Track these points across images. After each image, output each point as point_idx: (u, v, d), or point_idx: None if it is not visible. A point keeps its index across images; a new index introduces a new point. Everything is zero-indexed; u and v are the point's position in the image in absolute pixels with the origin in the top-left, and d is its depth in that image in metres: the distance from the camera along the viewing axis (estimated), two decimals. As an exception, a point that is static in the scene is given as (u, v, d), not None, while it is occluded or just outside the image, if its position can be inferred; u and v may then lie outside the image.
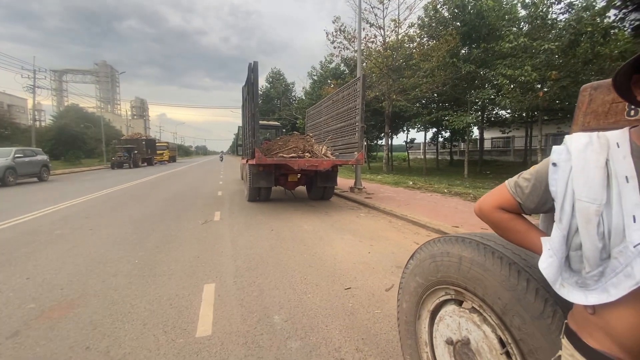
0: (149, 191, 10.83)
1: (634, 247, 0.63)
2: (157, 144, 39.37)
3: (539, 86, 14.05)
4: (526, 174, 0.88)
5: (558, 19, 13.65)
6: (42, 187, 12.39)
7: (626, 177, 0.68)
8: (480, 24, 15.25)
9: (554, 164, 0.78)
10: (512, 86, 14.05)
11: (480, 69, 15.41)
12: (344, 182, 12.21)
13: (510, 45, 12.89)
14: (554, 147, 0.80)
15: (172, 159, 45.25)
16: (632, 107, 1.20)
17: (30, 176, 14.51)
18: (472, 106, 18.46)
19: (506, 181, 0.94)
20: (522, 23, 15.52)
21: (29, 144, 21.90)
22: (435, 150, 29.43)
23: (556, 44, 12.07)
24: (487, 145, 28.83)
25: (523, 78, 12.31)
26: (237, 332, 2.26)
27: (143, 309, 2.59)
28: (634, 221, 0.64)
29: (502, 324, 1.09)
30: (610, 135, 0.75)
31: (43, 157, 15.64)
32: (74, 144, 31.84)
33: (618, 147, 0.72)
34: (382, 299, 2.80)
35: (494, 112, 23.00)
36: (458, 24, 15.98)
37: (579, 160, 0.73)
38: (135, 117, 79.52)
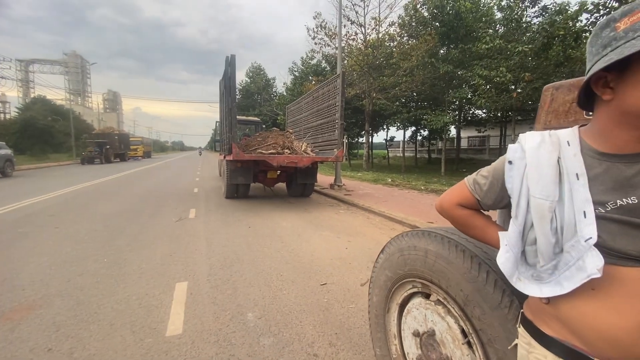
0: (121, 188, 10.43)
1: (585, 241, 0.66)
2: (130, 139, 37.95)
3: (513, 87, 14.59)
4: (484, 171, 0.90)
5: (532, 22, 14.20)
6: (5, 183, 11.65)
7: (576, 174, 0.70)
8: (459, 25, 15.62)
9: (510, 162, 0.79)
10: (487, 86, 14.51)
11: (458, 69, 15.81)
12: (324, 179, 12.24)
13: (486, 46, 13.28)
14: (510, 145, 0.82)
15: (147, 155, 43.77)
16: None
17: (-9, 171, 13.62)
18: (450, 105, 18.95)
19: (465, 178, 0.96)
20: (498, 25, 16.03)
21: (-10, 137, 20.52)
22: (414, 149, 30.05)
23: (530, 46, 12.54)
24: (464, 143, 29.71)
25: (498, 79, 12.73)
26: (208, 331, 2.21)
27: (110, 308, 2.49)
28: (585, 216, 0.67)
29: (464, 314, 1.12)
30: (561, 133, 0.77)
31: (7, 151, 14.71)
32: (40, 137, 30.08)
33: (568, 145, 0.74)
34: (357, 294, 2.83)
35: (471, 112, 23.72)
36: (437, 24, 16.28)
37: (533, 158, 0.75)
38: (107, 110, 76.12)
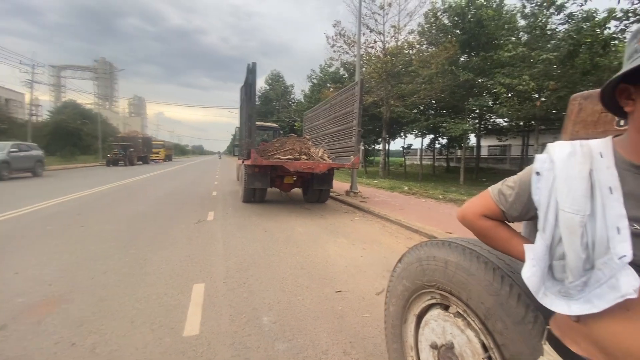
0: (144, 189, 10.77)
1: (619, 259, 0.63)
2: (153, 142, 39.22)
3: (536, 95, 14.19)
4: (510, 181, 0.88)
5: (557, 30, 13.82)
6: (35, 183, 12.28)
7: (610, 188, 0.67)
8: (480, 32, 15.41)
9: (537, 173, 0.77)
10: (509, 95, 14.18)
11: (479, 77, 15.55)
12: (340, 185, 12.22)
13: (509, 54, 13.03)
14: (537, 156, 0.79)
15: (168, 158, 45.08)
16: (621, 116, 1.21)
17: (24, 171, 14.39)
18: (470, 114, 18.61)
19: (489, 188, 0.94)
20: (521, 33, 15.69)
21: (25, 138, 21.72)
22: (432, 157, 29.57)
23: (555, 54, 12.20)
24: (484, 152, 29.03)
25: (521, 87, 12.43)
26: (224, 333, 2.24)
27: (131, 307, 2.57)
28: (618, 233, 0.64)
29: (485, 328, 1.09)
30: (593, 144, 0.74)
31: (38, 152, 15.52)
32: (70, 140, 31.60)
33: (601, 157, 0.71)
34: (372, 303, 2.80)
35: (492, 120, 23.19)
36: (458, 31, 16.13)
37: (562, 170, 0.72)
38: (132, 114, 79.21)
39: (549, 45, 13.33)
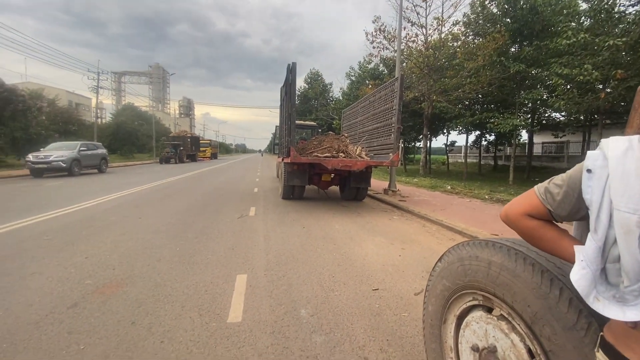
0: (192, 185, 11.52)
1: None
2: (200, 142, 41.62)
3: (600, 86, 12.79)
4: (557, 179, 0.84)
5: (627, 12, 12.30)
6: (100, 178, 13.68)
7: None
8: (534, 20, 14.21)
9: (589, 170, 0.73)
10: (568, 86, 12.94)
11: (532, 68, 14.37)
12: (377, 183, 12.05)
13: (567, 42, 11.85)
14: (589, 153, 0.75)
15: (214, 156, 47.56)
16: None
17: (91, 167, 16.10)
18: (521, 108, 17.29)
19: (535, 187, 0.90)
20: (583, 17, 14.20)
21: (91, 138, 24.28)
22: (477, 154, 27.92)
23: (623, 39, 10.87)
24: (537, 150, 26.77)
25: (582, 78, 11.26)
26: (265, 322, 2.35)
27: (182, 292, 2.79)
28: None
29: (532, 333, 1.04)
30: None
31: (103, 150, 17.27)
32: (128, 139, 34.71)
33: None
34: (410, 303, 2.75)
35: (546, 115, 21.32)
36: (508, 20, 15.03)
37: (617, 167, 0.68)
38: (182, 115, 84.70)
39: (616, 30, 11.91)
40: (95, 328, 2.22)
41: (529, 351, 1.07)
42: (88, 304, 2.55)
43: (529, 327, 1.05)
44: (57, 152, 13.86)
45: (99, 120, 37.90)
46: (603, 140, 0.74)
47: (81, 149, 15.03)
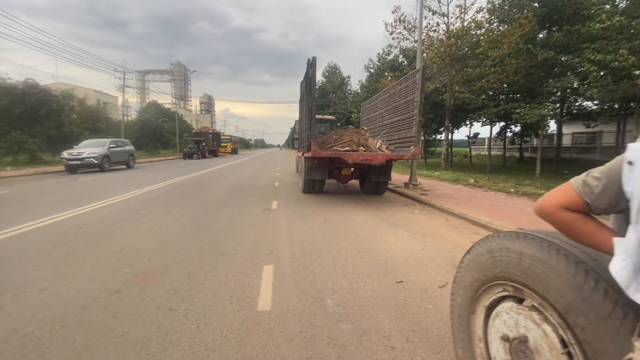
0: (215, 180, 11.85)
1: None
2: (221, 137, 42.48)
3: (637, 72, 12.01)
4: (596, 172, 0.85)
5: (668, -8, 11.43)
6: (128, 174, 14.31)
7: None
8: (564, 3, 13.46)
9: (630, 163, 0.74)
10: (601, 73, 12.24)
11: (561, 54, 13.67)
12: (398, 177, 11.93)
13: (602, 25, 11.18)
14: (630, 145, 0.76)
15: (234, 152, 48.47)
16: None
17: (120, 163, 16.86)
18: (549, 97, 16.52)
19: (572, 179, 0.90)
20: (618, -1, 13.33)
21: (118, 136, 25.37)
22: (502, 146, 26.97)
23: (664, 21, 10.16)
24: (566, 141, 25.54)
25: (617, 63, 10.63)
26: (293, 310, 2.45)
27: (213, 282, 2.93)
28: None
29: (565, 323, 1.06)
30: None
31: (130, 147, 18.02)
32: (153, 136, 35.95)
33: None
34: (435, 295, 2.77)
35: (577, 104, 20.26)
36: (536, 5, 14.31)
37: None
38: (203, 112, 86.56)
39: (657, 11, 11.11)
40: (137, 313, 2.39)
41: (562, 341, 1.09)
42: (129, 291, 2.74)
43: (562, 317, 1.07)
44: (89, 149, 14.61)
45: (125, 118, 39.42)
46: None
47: (111, 146, 15.75)
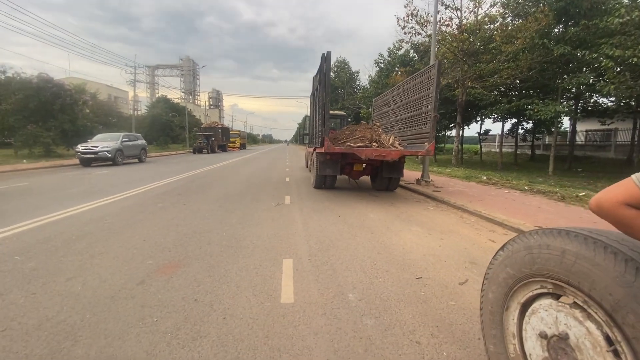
0: (226, 175, 11.94)
1: None
2: (230, 132, 42.66)
3: (657, 68, 11.67)
4: None
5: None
6: (141, 167, 14.50)
7: None
8: (582, -4, 13.11)
9: None
10: (619, 69, 11.92)
11: (577, 50, 13.34)
12: (409, 174, 11.87)
13: (620, 20, 10.88)
14: None
15: (243, 147, 48.66)
16: None
17: (132, 157, 17.08)
18: (564, 93, 16.16)
19: (633, 175, 0.89)
20: (640, -8, 12.90)
21: (129, 130, 25.66)
22: (513, 143, 26.56)
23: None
24: (580, 138, 25.02)
25: (636, 59, 10.35)
26: (316, 303, 2.47)
27: (235, 274, 2.97)
28: None
29: (612, 320, 1.05)
30: None
31: (142, 141, 18.23)
32: (163, 130, 36.27)
33: None
34: (456, 292, 2.76)
35: (592, 100, 19.78)
36: (552, -2, 13.97)
37: None
38: (211, 107, 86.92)
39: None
40: (163, 303, 2.44)
41: (607, 338, 1.08)
42: (153, 282, 2.80)
43: (609, 314, 1.06)
44: (103, 142, 14.83)
45: (136, 112, 39.81)
46: None
47: (123, 139, 15.96)
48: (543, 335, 1.33)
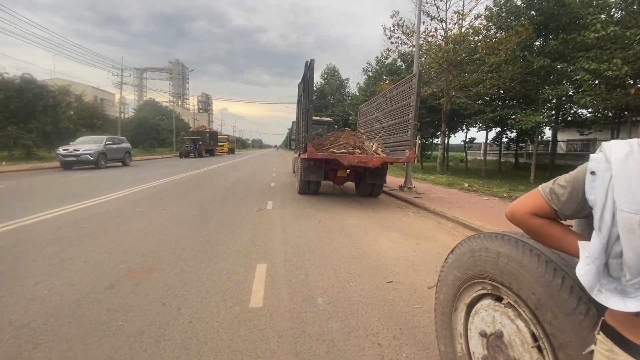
0: (211, 179, 11.86)
1: None
2: (218, 137, 42.37)
3: (631, 82, 12.23)
4: (562, 180, 0.89)
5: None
6: (125, 171, 14.27)
7: None
8: (560, 12, 13.68)
9: (592, 173, 0.78)
10: (595, 82, 12.44)
11: (557, 62, 13.87)
12: (393, 180, 12.02)
13: (596, 35, 11.38)
14: (592, 155, 0.80)
15: (231, 151, 48.33)
16: None
17: (116, 160, 16.79)
18: (545, 104, 16.72)
19: (539, 187, 0.95)
20: (614, 9, 13.56)
21: (115, 133, 25.19)
22: (497, 152, 27.23)
23: (657, 32, 10.36)
24: (561, 147, 25.82)
25: (610, 73, 10.82)
26: (284, 308, 2.50)
27: (206, 279, 2.98)
28: None
29: (535, 318, 1.13)
30: None
31: (127, 144, 17.96)
32: (150, 134, 35.82)
33: None
34: (424, 296, 2.83)
35: (572, 111, 20.51)
36: (533, 12, 14.53)
37: (620, 170, 0.72)
38: (200, 111, 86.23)
39: (650, 22, 11.33)
40: (130, 307, 2.43)
41: (533, 335, 1.16)
42: (122, 286, 2.78)
43: (533, 313, 1.14)
44: (85, 145, 14.54)
45: (123, 115, 39.22)
46: (604, 144, 0.79)
47: (107, 142, 15.69)
48: (483, 334, 1.40)
